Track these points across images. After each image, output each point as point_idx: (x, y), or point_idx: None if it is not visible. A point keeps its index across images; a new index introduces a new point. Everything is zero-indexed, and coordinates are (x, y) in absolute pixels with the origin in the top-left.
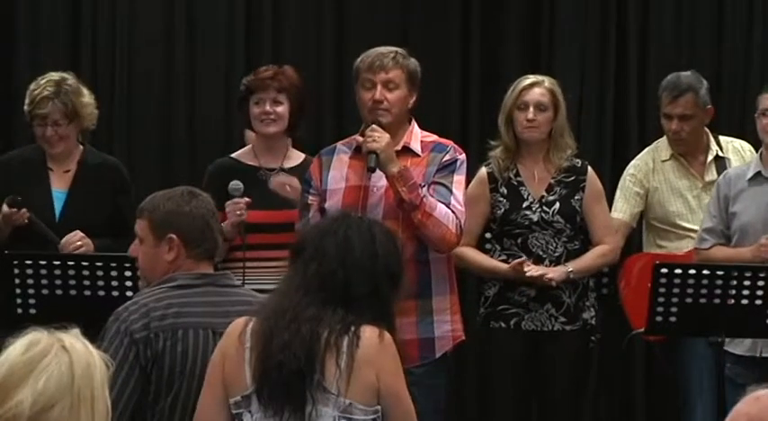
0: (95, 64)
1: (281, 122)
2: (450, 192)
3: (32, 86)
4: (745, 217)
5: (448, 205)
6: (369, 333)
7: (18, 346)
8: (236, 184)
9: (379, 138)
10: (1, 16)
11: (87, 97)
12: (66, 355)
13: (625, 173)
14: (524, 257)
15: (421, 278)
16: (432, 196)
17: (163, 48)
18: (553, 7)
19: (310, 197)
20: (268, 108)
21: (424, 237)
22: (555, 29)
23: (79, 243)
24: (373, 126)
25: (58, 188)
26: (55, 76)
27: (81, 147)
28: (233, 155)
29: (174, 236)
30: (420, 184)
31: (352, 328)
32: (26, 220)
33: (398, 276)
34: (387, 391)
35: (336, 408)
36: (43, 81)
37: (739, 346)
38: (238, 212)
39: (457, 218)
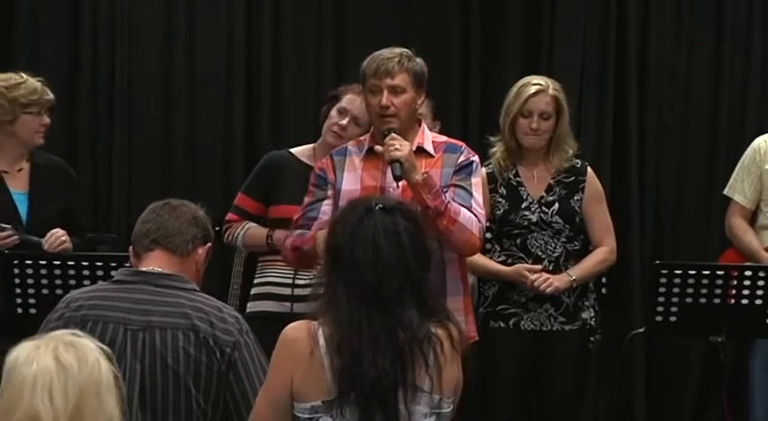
0: (95, 64)
1: (347, 140)
2: (471, 195)
3: (17, 79)
4: None
5: (469, 209)
6: (441, 334)
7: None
8: None
9: (401, 146)
10: (1, 15)
11: None
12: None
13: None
14: (528, 264)
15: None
16: (454, 200)
17: (163, 48)
18: (553, 7)
19: (327, 193)
20: (344, 122)
21: (449, 243)
22: (555, 29)
23: (64, 238)
24: (392, 134)
25: (17, 190)
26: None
27: None
28: (292, 149)
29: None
30: (442, 189)
31: (428, 335)
32: (17, 241)
33: (427, 256)
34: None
35: (428, 406)
36: (20, 74)
37: None
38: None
39: (479, 221)
